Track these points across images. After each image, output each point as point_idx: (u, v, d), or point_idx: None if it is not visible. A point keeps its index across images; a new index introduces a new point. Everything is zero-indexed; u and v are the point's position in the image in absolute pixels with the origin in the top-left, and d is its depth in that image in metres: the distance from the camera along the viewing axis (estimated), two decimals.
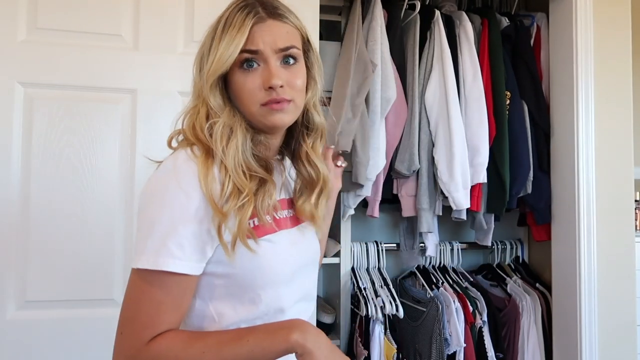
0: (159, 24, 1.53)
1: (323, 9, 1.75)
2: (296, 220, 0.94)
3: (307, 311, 0.94)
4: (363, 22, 1.90)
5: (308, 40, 0.88)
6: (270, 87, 0.80)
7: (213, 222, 0.77)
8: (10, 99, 1.43)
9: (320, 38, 1.66)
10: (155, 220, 0.76)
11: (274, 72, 0.81)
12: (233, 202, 0.77)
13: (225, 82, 0.83)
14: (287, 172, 0.95)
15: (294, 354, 0.77)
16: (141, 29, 1.52)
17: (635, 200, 2.05)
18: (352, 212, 1.90)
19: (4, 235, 1.41)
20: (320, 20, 1.66)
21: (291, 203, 0.94)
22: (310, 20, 1.62)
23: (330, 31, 2.13)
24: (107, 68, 1.49)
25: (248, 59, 0.81)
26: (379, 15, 1.86)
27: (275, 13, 0.83)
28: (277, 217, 0.87)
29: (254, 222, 0.82)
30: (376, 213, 1.93)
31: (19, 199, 1.43)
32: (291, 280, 0.87)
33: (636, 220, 2.43)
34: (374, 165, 1.81)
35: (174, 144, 0.87)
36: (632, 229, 1.90)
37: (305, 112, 0.90)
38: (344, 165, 1.10)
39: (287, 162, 0.96)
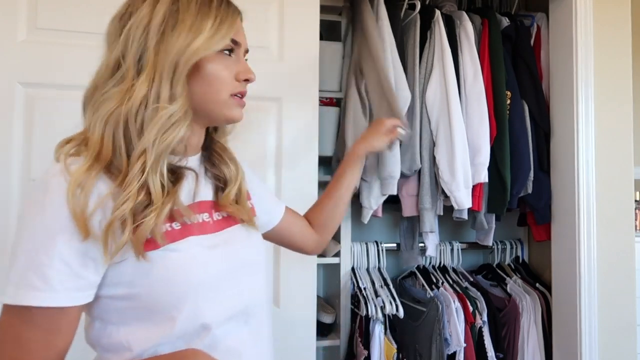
0: None
1: (323, 9, 1.75)
2: (228, 221, 0.86)
3: (240, 331, 0.81)
4: (363, 22, 1.90)
5: None
6: (246, 80, 0.83)
7: (93, 242, 0.68)
8: (10, 99, 1.43)
9: (321, 38, 1.66)
10: (17, 248, 0.67)
11: (247, 66, 0.84)
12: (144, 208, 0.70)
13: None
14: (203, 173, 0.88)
15: None
16: None
17: (635, 200, 2.05)
18: (371, 212, 1.90)
19: (4, 235, 1.41)
20: (320, 20, 1.66)
21: (215, 205, 0.86)
22: (311, 20, 1.62)
23: (331, 31, 2.13)
24: None
25: (229, 51, 0.81)
26: (384, 16, 1.86)
27: (241, 16, 0.86)
28: (188, 223, 0.77)
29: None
30: (379, 212, 1.93)
31: (19, 199, 1.43)
32: (215, 290, 0.76)
33: (636, 220, 2.44)
34: (395, 163, 1.82)
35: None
36: (632, 229, 1.90)
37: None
38: (402, 133, 1.28)
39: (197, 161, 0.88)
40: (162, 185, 0.73)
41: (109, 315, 0.75)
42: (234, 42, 0.81)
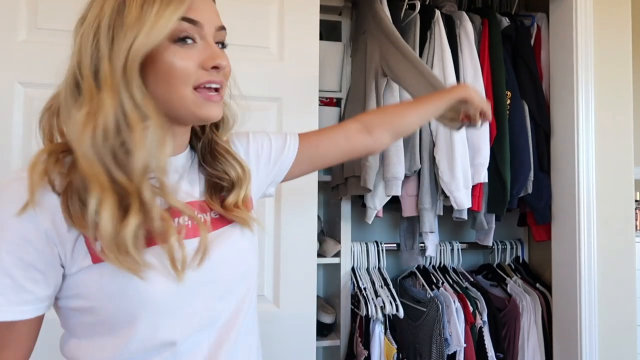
0: None
1: (323, 9, 1.75)
2: (221, 221, 0.78)
3: (205, 342, 0.72)
4: (374, 23, 1.90)
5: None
6: (215, 67, 0.67)
7: (42, 254, 0.64)
8: (10, 99, 1.42)
9: (321, 38, 1.66)
10: None
11: (217, 50, 0.68)
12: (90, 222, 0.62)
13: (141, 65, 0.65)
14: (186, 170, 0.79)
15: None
16: None
17: (636, 201, 2.05)
18: (375, 212, 1.90)
19: None
20: (320, 20, 1.66)
21: (205, 205, 0.78)
22: (311, 20, 1.62)
23: (331, 31, 2.13)
24: None
25: (185, 35, 0.66)
26: (385, 16, 1.86)
27: None
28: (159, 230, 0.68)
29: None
30: (380, 213, 1.93)
31: None
32: (178, 306, 0.68)
33: (636, 220, 2.43)
34: (399, 163, 1.82)
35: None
36: (632, 229, 1.90)
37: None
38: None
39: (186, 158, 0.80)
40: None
41: (72, 327, 0.72)
42: (189, 20, 0.66)
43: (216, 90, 0.70)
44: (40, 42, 1.45)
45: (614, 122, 1.89)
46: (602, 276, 1.84)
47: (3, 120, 1.42)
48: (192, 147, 0.81)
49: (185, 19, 0.66)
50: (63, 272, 0.67)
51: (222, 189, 0.79)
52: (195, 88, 0.68)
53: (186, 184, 0.77)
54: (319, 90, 1.66)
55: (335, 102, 2.03)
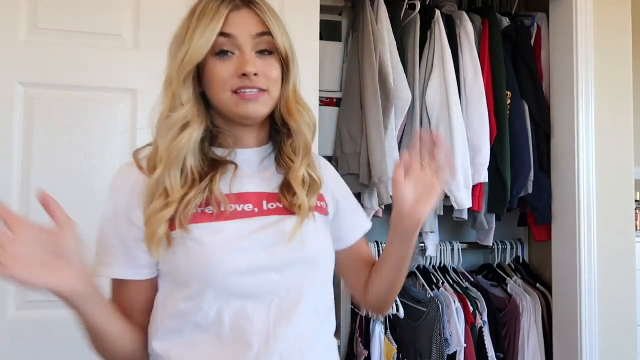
0: (159, 24, 1.53)
1: (323, 9, 1.75)
2: (278, 211, 0.84)
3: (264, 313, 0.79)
4: (364, 24, 1.90)
5: (286, 53, 0.83)
6: (244, 75, 0.77)
7: (136, 225, 0.78)
8: (10, 99, 1.42)
9: (321, 38, 1.66)
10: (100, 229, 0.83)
11: (248, 59, 0.78)
12: (158, 202, 0.77)
13: (198, 74, 0.81)
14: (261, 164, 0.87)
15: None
16: (141, 29, 1.52)
17: (636, 201, 2.05)
18: (373, 213, 1.90)
19: None
20: (321, 20, 1.65)
21: (275, 197, 0.85)
22: (311, 20, 1.62)
23: (331, 31, 2.13)
24: (108, 68, 1.49)
25: (223, 50, 0.78)
26: (384, 17, 1.86)
27: (252, 2, 0.81)
28: (223, 210, 0.79)
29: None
30: (380, 213, 1.93)
31: (19, 199, 1.43)
32: (236, 275, 0.77)
33: (636, 220, 2.43)
34: (394, 164, 1.81)
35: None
36: (633, 229, 1.90)
37: (282, 117, 0.86)
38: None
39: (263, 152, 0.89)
40: (185, 181, 0.79)
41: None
42: (225, 35, 0.78)
43: (253, 90, 0.79)
44: (40, 42, 1.45)
45: (614, 122, 1.89)
46: (602, 276, 1.84)
47: (3, 120, 1.42)
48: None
49: (221, 34, 0.78)
50: None
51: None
52: (234, 92, 0.79)
53: (257, 175, 0.86)
54: (319, 90, 1.66)
55: (335, 102, 2.03)
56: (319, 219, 0.87)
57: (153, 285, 0.82)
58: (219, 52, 0.79)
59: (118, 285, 0.82)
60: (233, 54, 0.79)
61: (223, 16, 0.78)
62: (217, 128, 0.84)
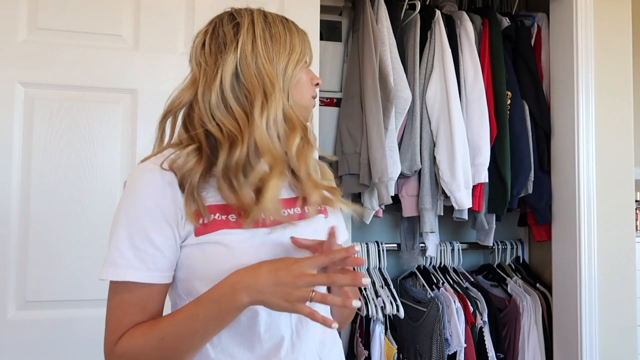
0: (159, 24, 1.53)
1: (323, 9, 1.75)
2: (298, 217, 0.88)
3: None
4: (364, 24, 1.90)
5: None
6: (317, 84, 0.92)
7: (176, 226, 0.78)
8: (10, 99, 1.43)
9: (321, 38, 1.67)
10: (112, 228, 0.81)
11: (315, 73, 0.93)
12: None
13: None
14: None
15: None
16: (141, 29, 1.52)
17: (636, 201, 2.05)
18: (373, 213, 1.89)
19: (4, 235, 1.41)
20: (321, 20, 1.66)
21: (295, 201, 0.90)
22: (311, 20, 1.62)
23: (331, 31, 2.13)
24: (108, 68, 1.49)
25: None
26: (384, 17, 1.86)
27: None
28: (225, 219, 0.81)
29: (203, 220, 0.79)
30: (380, 213, 1.93)
31: (19, 199, 1.43)
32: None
33: (636, 220, 2.43)
34: (394, 164, 1.81)
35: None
36: (633, 229, 1.90)
37: None
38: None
39: None
40: None
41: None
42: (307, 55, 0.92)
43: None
44: (40, 42, 1.46)
45: (614, 122, 1.89)
46: (602, 276, 1.84)
47: (3, 120, 1.42)
48: None
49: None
50: None
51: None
52: (312, 97, 0.92)
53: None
54: (319, 90, 1.66)
55: (335, 102, 2.03)
56: (321, 220, 0.91)
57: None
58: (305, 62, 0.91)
59: (145, 289, 0.78)
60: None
61: (305, 42, 0.91)
62: None
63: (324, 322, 0.70)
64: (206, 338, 0.76)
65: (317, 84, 0.93)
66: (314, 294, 0.70)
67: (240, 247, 0.78)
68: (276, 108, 0.82)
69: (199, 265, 0.79)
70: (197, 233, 0.78)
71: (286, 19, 0.92)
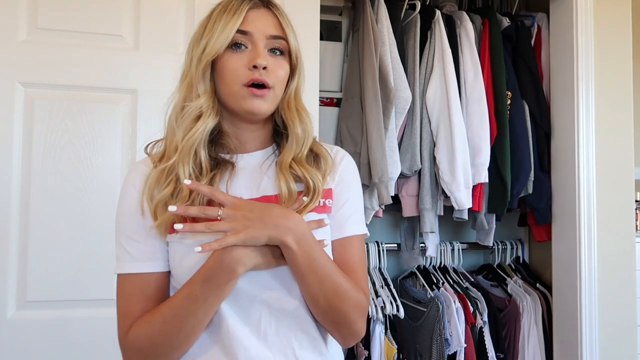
0: (159, 24, 1.53)
1: (323, 9, 1.75)
2: None
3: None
4: (364, 24, 1.90)
5: (296, 57, 0.88)
6: (255, 67, 0.81)
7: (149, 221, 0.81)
8: (10, 99, 1.43)
9: (321, 38, 1.66)
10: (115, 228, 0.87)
11: (259, 52, 0.82)
12: (169, 189, 0.80)
13: (212, 68, 0.84)
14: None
15: None
16: (141, 29, 1.52)
17: (636, 201, 2.05)
18: (372, 213, 1.89)
19: (4, 235, 1.41)
20: (321, 20, 1.65)
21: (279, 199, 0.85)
22: (311, 20, 1.62)
23: (331, 31, 2.13)
24: (108, 68, 1.49)
25: (237, 43, 0.83)
26: (384, 17, 1.86)
27: (271, 4, 0.87)
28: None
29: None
30: (380, 213, 1.93)
31: (19, 199, 1.43)
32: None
33: (636, 220, 2.43)
34: (394, 164, 1.81)
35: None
36: (633, 229, 1.90)
37: (283, 121, 0.87)
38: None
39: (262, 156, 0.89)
40: (195, 176, 0.81)
41: None
42: (241, 32, 0.82)
43: (263, 87, 0.82)
44: (40, 42, 1.46)
45: (614, 122, 1.89)
46: (602, 276, 1.84)
47: (3, 120, 1.42)
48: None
49: (239, 30, 0.82)
50: None
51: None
52: (245, 86, 0.82)
53: (264, 178, 0.87)
54: (319, 90, 1.66)
55: (335, 102, 2.03)
56: (312, 217, 0.83)
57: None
58: (234, 45, 0.82)
59: (140, 279, 0.83)
60: (246, 47, 0.83)
61: (243, 13, 0.82)
62: (222, 132, 0.87)
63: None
64: (207, 315, 0.78)
65: (255, 67, 0.81)
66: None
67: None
68: (175, 101, 0.85)
69: (172, 265, 0.83)
70: (170, 232, 0.81)
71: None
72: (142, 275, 0.82)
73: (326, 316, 0.82)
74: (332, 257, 0.85)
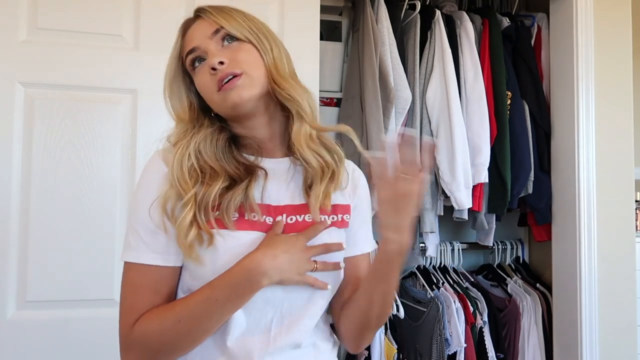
0: (159, 24, 1.53)
1: (323, 9, 1.75)
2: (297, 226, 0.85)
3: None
4: (364, 24, 1.90)
5: (246, 36, 0.84)
6: (213, 69, 0.80)
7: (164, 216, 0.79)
8: (10, 99, 1.43)
9: (321, 38, 1.66)
10: (129, 214, 0.84)
11: (210, 54, 0.82)
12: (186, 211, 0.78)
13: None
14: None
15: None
16: (141, 29, 1.52)
17: (636, 201, 2.05)
18: (373, 213, 1.88)
19: (5, 235, 1.41)
20: (321, 20, 1.66)
21: (303, 208, 0.85)
22: (311, 21, 1.62)
23: (331, 31, 2.13)
24: (108, 68, 1.49)
25: (193, 60, 0.84)
26: (384, 17, 1.86)
27: (200, 11, 0.86)
28: (246, 218, 0.80)
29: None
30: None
31: (19, 199, 1.43)
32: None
33: (636, 220, 2.43)
34: None
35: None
36: (633, 229, 1.90)
37: (277, 98, 0.84)
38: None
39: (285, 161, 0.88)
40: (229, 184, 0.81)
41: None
42: (190, 52, 0.84)
43: (232, 78, 0.80)
44: (40, 42, 1.46)
45: (614, 122, 1.89)
46: (602, 276, 1.84)
47: (3, 120, 1.42)
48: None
49: (187, 53, 0.84)
50: None
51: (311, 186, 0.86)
52: (218, 91, 0.81)
53: (284, 186, 0.86)
54: (319, 90, 1.66)
55: (335, 102, 2.03)
56: (333, 233, 0.86)
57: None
58: (192, 65, 0.84)
59: (154, 271, 0.80)
60: (204, 59, 0.83)
61: (179, 39, 0.87)
62: (238, 136, 0.87)
63: (324, 287, 0.82)
64: (221, 320, 0.77)
65: (214, 69, 0.80)
66: (317, 264, 0.81)
67: (227, 247, 0.78)
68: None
69: (191, 265, 0.80)
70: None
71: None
72: (157, 268, 0.79)
73: (370, 324, 0.89)
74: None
